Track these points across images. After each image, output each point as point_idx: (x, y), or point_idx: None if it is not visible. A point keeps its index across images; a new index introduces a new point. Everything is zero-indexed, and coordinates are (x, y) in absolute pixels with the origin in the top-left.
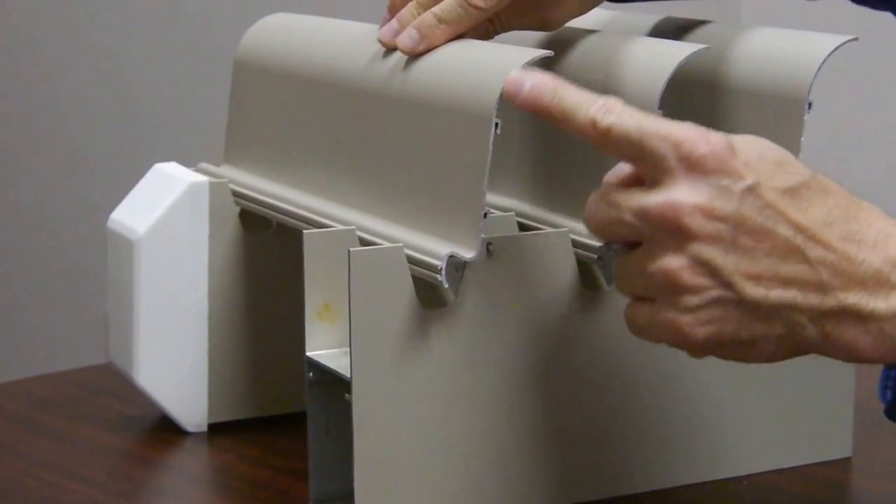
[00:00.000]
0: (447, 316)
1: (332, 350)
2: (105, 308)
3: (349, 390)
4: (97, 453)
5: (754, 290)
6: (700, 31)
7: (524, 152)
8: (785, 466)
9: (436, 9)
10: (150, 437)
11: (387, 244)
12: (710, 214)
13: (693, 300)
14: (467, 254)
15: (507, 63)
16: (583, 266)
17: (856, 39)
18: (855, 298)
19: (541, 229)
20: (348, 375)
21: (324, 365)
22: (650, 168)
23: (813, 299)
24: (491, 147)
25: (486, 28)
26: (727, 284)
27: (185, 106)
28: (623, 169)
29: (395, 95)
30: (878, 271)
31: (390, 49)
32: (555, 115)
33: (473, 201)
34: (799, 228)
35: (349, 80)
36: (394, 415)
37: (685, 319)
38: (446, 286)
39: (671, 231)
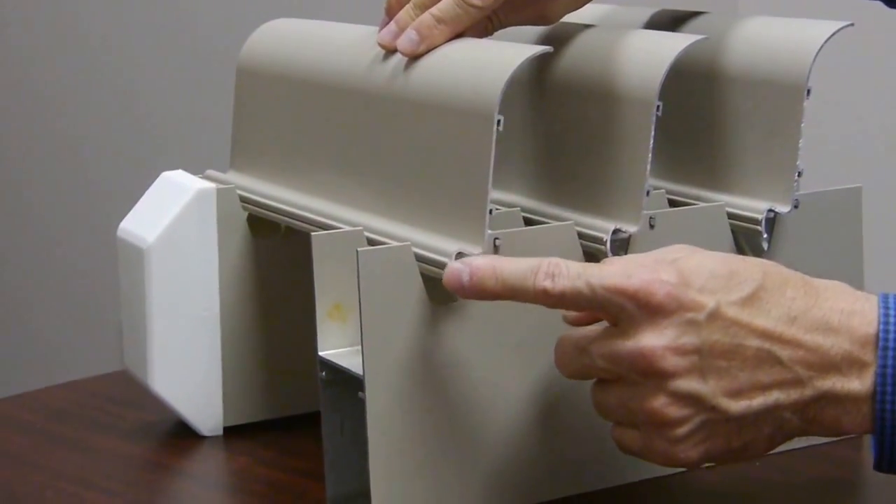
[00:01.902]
0: (457, 312)
1: (344, 349)
2: (118, 316)
3: (362, 388)
4: (114, 462)
5: (738, 405)
6: (696, 22)
7: (526, 148)
8: (796, 447)
9: (434, 9)
10: (167, 443)
11: (394, 243)
12: (680, 351)
13: (681, 430)
14: (475, 250)
15: (507, 59)
16: (589, 257)
17: (851, 25)
18: (831, 383)
19: (546, 223)
20: (361, 374)
21: (336, 364)
22: (612, 317)
23: (793, 395)
24: (494, 143)
25: (484, 26)
26: (711, 408)
27: (190, 114)
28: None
29: (398, 96)
30: (848, 353)
31: (390, 52)
32: (503, 296)
33: (479, 198)
34: (765, 335)
35: (351, 82)
36: (407, 411)
37: (678, 448)
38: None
39: (647, 374)
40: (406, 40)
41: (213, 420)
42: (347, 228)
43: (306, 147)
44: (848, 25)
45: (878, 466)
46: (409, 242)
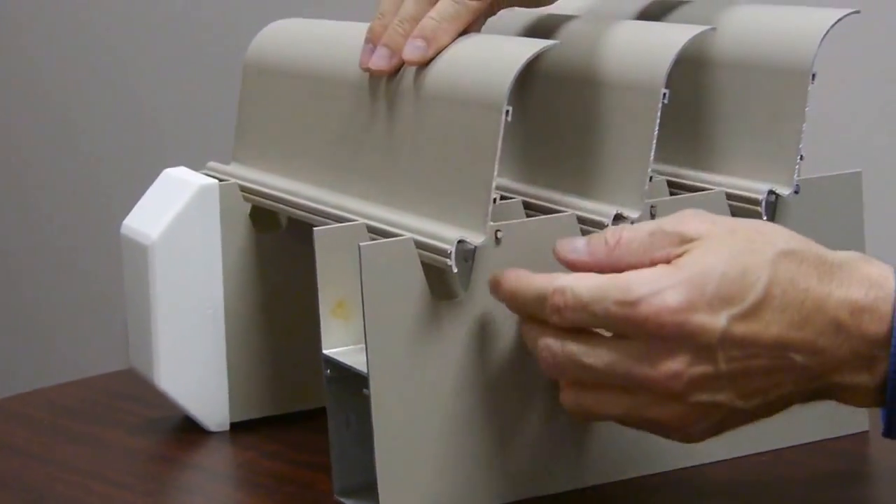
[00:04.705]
0: (459, 306)
1: (348, 347)
2: (124, 314)
3: (367, 385)
4: (123, 456)
5: (753, 402)
6: (688, 11)
7: (527, 134)
8: (804, 441)
9: (432, 13)
10: (174, 437)
11: (396, 236)
12: (695, 376)
13: (696, 428)
14: (476, 240)
15: (518, 51)
16: None
17: (858, 13)
18: (840, 378)
19: (547, 208)
20: (365, 371)
21: (340, 362)
22: (619, 333)
23: (804, 385)
24: (501, 134)
25: (487, 11)
26: (729, 409)
27: (191, 111)
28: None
29: (405, 88)
30: (857, 352)
31: (390, 74)
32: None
33: (483, 188)
34: (777, 345)
35: (358, 77)
36: (412, 406)
37: (688, 438)
38: (455, 271)
39: (663, 395)
40: (413, 49)
41: (219, 415)
42: (349, 223)
43: (311, 140)
44: (854, 13)
45: (888, 434)
46: (410, 236)
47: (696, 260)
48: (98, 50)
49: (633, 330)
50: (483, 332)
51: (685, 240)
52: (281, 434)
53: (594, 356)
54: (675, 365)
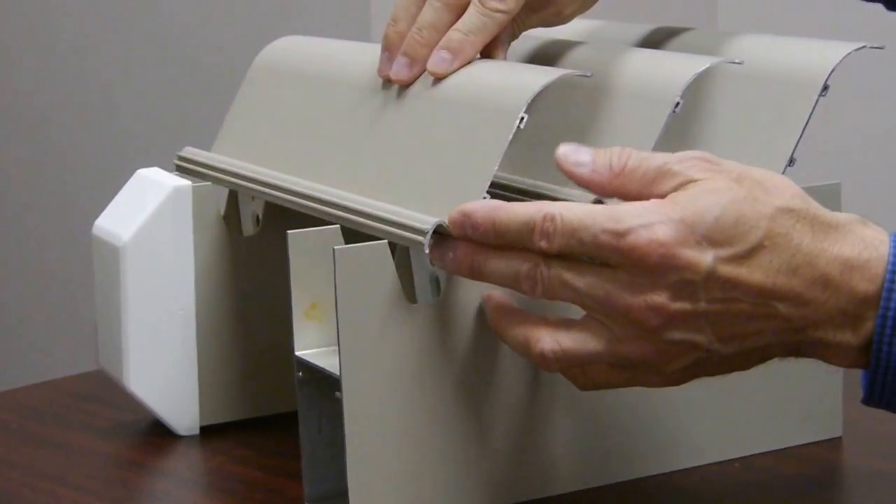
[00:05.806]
0: (433, 310)
1: (321, 349)
2: (94, 315)
3: (339, 388)
4: (91, 460)
5: (730, 347)
6: (694, 39)
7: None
8: (775, 448)
9: (458, 25)
10: (143, 441)
11: (380, 221)
12: (675, 311)
13: (671, 367)
14: None
15: (546, 71)
16: None
17: (882, 48)
18: (823, 333)
19: (528, 194)
20: (337, 373)
21: (313, 364)
22: (605, 261)
23: (785, 337)
24: (510, 138)
25: (510, 32)
26: (706, 351)
27: (166, 111)
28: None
29: (415, 91)
30: (844, 310)
31: (408, 84)
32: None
33: (477, 186)
34: (763, 292)
35: (363, 78)
36: (384, 410)
37: (665, 378)
38: (427, 251)
39: (640, 328)
40: (438, 60)
41: (188, 419)
42: (323, 227)
43: (305, 137)
44: (877, 48)
45: (868, 402)
46: (384, 241)
47: (694, 199)
48: (71, 50)
49: (619, 259)
50: (457, 335)
51: (691, 182)
52: (251, 438)
53: (578, 279)
54: (656, 297)
